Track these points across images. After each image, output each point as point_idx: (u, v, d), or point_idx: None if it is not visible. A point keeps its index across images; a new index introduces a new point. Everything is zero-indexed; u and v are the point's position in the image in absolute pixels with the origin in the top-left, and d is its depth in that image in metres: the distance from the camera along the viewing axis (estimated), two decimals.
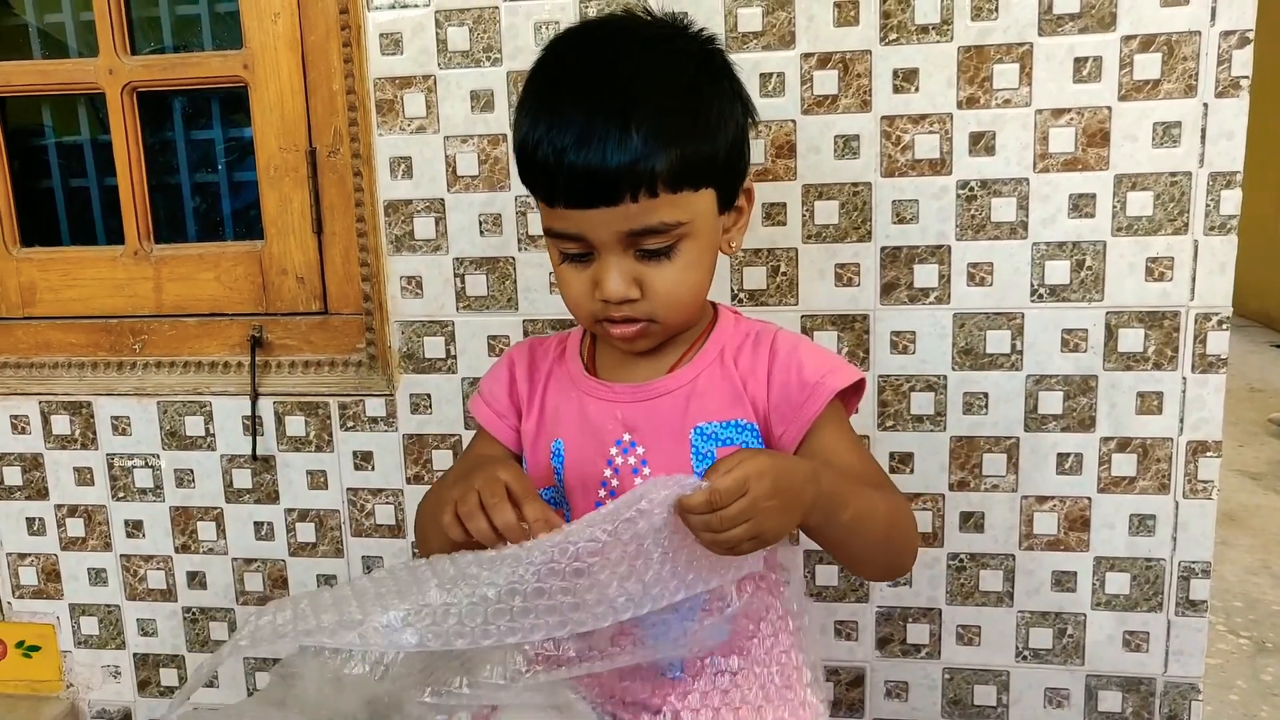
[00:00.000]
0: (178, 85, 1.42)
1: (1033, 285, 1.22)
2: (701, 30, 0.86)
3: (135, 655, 1.54)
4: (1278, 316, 4.76)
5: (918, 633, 1.33)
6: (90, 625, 1.54)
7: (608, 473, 0.90)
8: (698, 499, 0.72)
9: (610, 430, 0.90)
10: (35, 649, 1.57)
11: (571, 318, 0.90)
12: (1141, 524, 1.25)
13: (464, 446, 1.38)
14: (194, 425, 1.45)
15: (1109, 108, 1.17)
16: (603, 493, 0.90)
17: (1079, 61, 1.16)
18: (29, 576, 1.54)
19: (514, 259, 1.32)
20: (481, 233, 1.33)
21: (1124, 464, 1.24)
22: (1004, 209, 1.21)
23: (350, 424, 1.41)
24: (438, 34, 1.28)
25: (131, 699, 1.56)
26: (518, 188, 1.30)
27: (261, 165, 1.40)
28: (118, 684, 1.55)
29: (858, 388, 0.91)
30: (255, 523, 1.47)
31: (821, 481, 0.78)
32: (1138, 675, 1.29)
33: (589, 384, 0.92)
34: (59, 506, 1.51)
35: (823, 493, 0.77)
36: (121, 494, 1.49)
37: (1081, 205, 1.19)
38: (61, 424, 1.48)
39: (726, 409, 0.89)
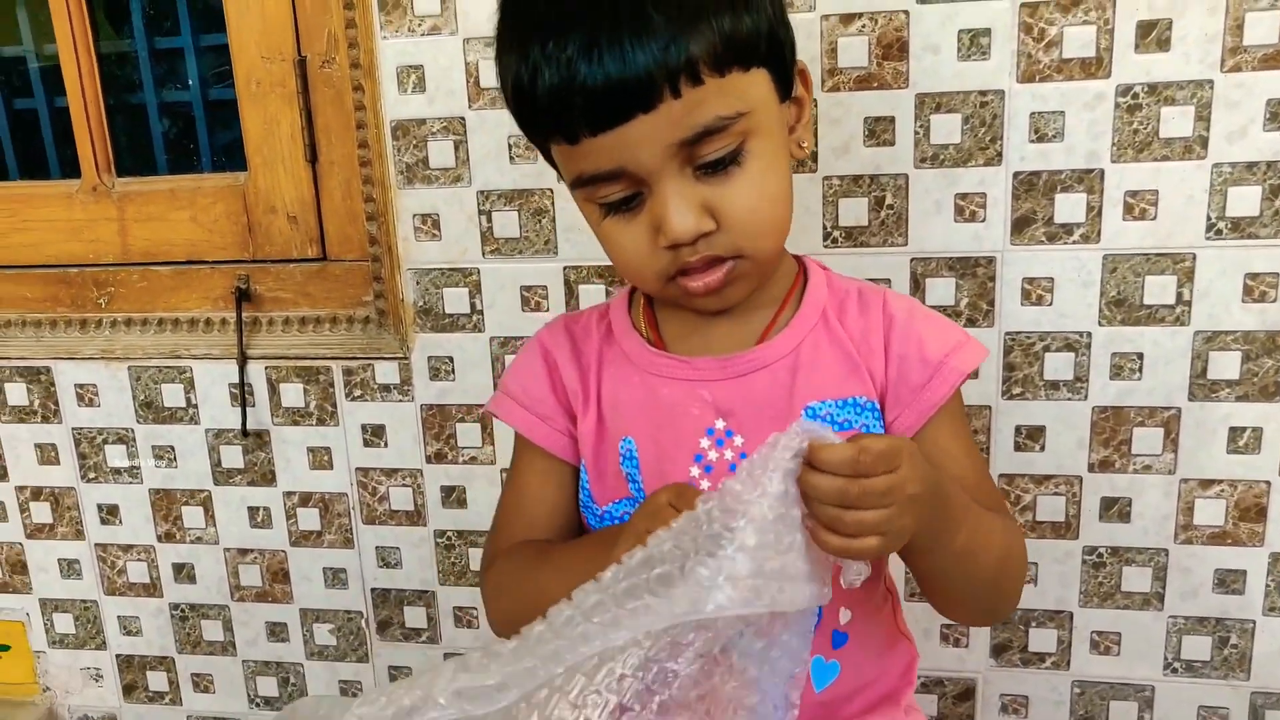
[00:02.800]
0: None
1: (1209, 218, 0.97)
2: None
3: (118, 657, 1.34)
4: None
5: (1042, 639, 1.11)
6: (65, 623, 1.34)
7: (696, 471, 0.70)
8: (842, 452, 0.54)
9: (697, 417, 0.70)
10: (4, 648, 1.36)
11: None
12: None
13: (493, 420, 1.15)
14: (172, 394, 1.22)
15: None
16: None
17: None
18: None
19: (552, 191, 1.07)
20: (512, 159, 1.07)
21: None
22: (1178, 121, 0.95)
23: (357, 392, 1.18)
24: None
25: (116, 704, 1.36)
26: None
27: (241, 79, 1.15)
28: (100, 688, 1.36)
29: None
30: (249, 508, 1.25)
31: (942, 490, 0.61)
32: None
33: (660, 361, 0.72)
34: (21, 489, 1.29)
35: (941, 501, 0.61)
36: (92, 474, 1.27)
37: None
38: (18, 393, 1.25)
39: (841, 384, 0.70)
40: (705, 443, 0.70)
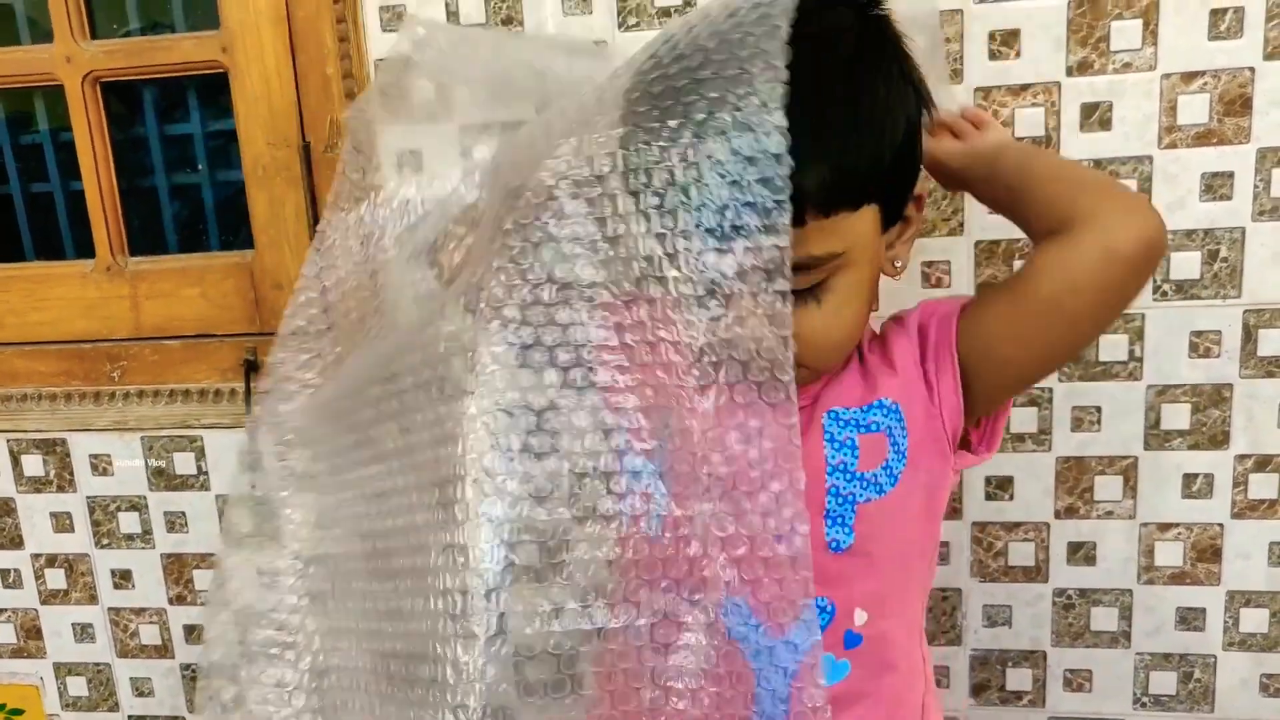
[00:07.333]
0: (147, 73, 1.23)
1: (1155, 281, 1.05)
2: None
3: (130, 718, 1.38)
4: None
5: (1018, 678, 1.17)
6: (78, 686, 1.38)
7: None
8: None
9: None
10: (18, 712, 1.40)
11: None
12: None
13: None
14: (184, 463, 1.28)
15: (1252, 69, 0.98)
16: None
17: (1215, 14, 0.98)
18: (6, 634, 1.37)
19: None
20: None
21: (1262, 485, 1.07)
22: None
23: None
24: (447, 3, 1.09)
25: None
26: None
27: (248, 164, 1.22)
28: None
29: None
30: (258, 570, 1.30)
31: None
32: None
33: None
34: (36, 556, 1.34)
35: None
36: (106, 541, 1.32)
37: (1216, 186, 1.01)
38: (34, 464, 1.31)
39: (863, 394, 0.73)
40: None
